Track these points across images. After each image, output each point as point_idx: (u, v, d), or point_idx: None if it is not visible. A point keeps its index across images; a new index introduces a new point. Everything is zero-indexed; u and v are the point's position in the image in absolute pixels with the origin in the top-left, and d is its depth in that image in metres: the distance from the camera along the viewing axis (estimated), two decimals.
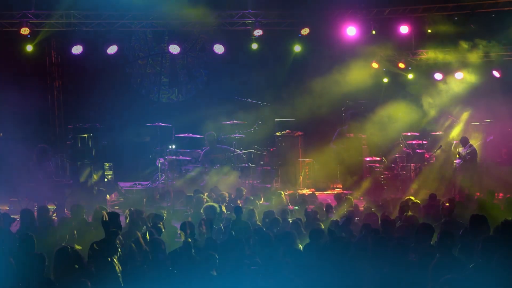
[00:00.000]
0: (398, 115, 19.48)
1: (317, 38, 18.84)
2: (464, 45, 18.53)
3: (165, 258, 8.00)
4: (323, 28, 18.60)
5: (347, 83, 19.06)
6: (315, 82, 19.36)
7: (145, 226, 9.75)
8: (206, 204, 11.51)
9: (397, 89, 20.44)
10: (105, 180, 17.10)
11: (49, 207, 12.49)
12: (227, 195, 14.33)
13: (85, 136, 16.63)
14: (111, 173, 17.68)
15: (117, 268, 7.56)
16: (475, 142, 18.02)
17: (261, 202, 13.86)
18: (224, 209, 12.44)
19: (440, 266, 7.07)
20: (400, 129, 19.09)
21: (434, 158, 18.47)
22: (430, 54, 19.95)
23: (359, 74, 19.30)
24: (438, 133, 19.52)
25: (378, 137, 18.78)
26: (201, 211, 11.41)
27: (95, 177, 16.33)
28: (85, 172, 16.35)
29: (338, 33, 18.57)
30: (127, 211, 10.82)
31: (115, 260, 7.60)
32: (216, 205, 11.43)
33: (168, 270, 7.81)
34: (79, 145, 16.54)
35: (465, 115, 19.68)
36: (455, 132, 19.50)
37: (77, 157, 16.48)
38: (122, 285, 7.43)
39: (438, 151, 18.47)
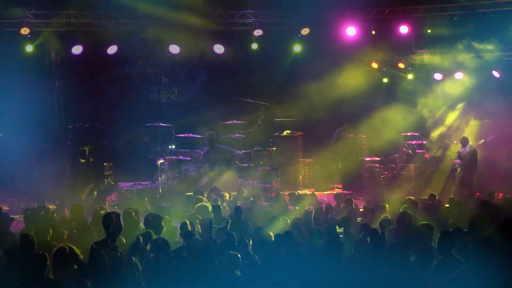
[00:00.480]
0: (397, 116, 19.49)
1: (317, 38, 18.84)
2: (463, 45, 18.53)
3: (167, 258, 7.99)
4: (323, 28, 18.60)
5: (347, 83, 19.06)
6: (315, 82, 19.36)
7: (144, 226, 9.74)
8: (198, 204, 11.50)
9: (396, 89, 20.45)
10: (105, 179, 17.08)
11: (49, 207, 12.48)
12: (227, 195, 14.34)
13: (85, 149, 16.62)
14: (111, 173, 17.66)
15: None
16: (475, 142, 18.03)
17: (261, 202, 13.86)
18: (227, 208, 12.47)
19: (440, 266, 7.07)
20: (400, 129, 19.09)
21: (433, 158, 18.48)
22: (430, 54, 19.96)
23: (359, 74, 19.30)
24: (436, 133, 19.55)
25: (378, 137, 18.79)
26: (193, 211, 11.42)
27: (95, 194, 16.26)
28: (86, 189, 16.30)
29: (338, 33, 18.58)
30: (125, 211, 10.81)
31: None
32: (208, 204, 11.41)
33: (172, 269, 7.81)
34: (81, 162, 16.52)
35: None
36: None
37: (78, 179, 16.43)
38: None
39: (438, 152, 18.48)
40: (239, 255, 7.88)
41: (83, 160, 16.52)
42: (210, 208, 11.33)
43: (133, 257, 7.53)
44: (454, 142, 18.60)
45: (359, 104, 20.09)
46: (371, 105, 20.18)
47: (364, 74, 19.55)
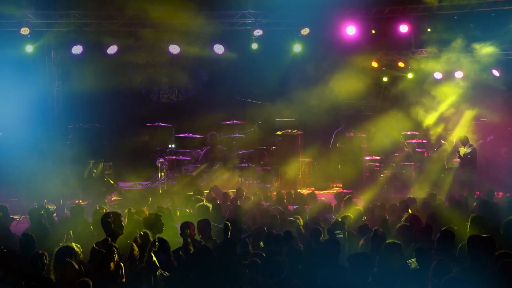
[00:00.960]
0: (397, 115, 19.50)
1: (317, 38, 18.85)
2: (463, 44, 18.52)
3: (167, 258, 7.99)
4: (323, 28, 18.60)
5: (347, 83, 19.05)
6: (315, 81, 19.37)
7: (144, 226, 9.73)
8: (200, 203, 11.50)
9: (396, 88, 20.47)
10: (105, 179, 17.09)
11: (49, 207, 12.50)
12: (229, 194, 14.33)
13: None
14: (111, 173, 17.67)
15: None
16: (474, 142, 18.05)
17: (261, 202, 13.86)
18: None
19: (440, 266, 7.06)
20: (400, 128, 19.10)
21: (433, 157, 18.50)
22: (429, 53, 19.96)
23: (359, 73, 19.30)
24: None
25: (378, 137, 18.80)
26: (192, 211, 11.41)
27: (95, 171, 16.28)
28: (85, 170, 16.35)
29: (338, 32, 18.59)
30: (126, 210, 10.83)
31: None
32: (209, 204, 11.42)
33: (172, 269, 7.81)
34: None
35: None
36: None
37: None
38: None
39: (438, 150, 18.51)
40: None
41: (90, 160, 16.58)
42: (211, 208, 11.31)
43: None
44: (454, 141, 18.60)
45: (359, 103, 20.09)
46: (371, 104, 20.17)
47: (364, 73, 19.54)
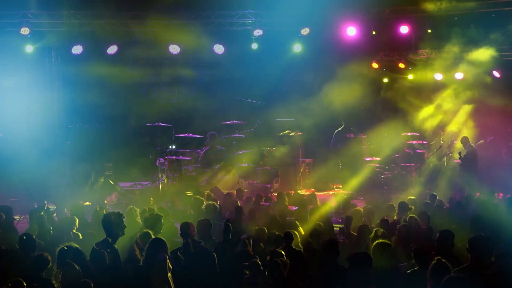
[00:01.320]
0: (397, 116, 19.51)
1: (317, 38, 18.84)
2: (463, 45, 18.53)
3: (165, 258, 7.98)
4: (323, 28, 18.60)
5: (347, 83, 19.05)
6: (315, 81, 19.35)
7: (144, 226, 9.73)
8: (207, 202, 11.48)
9: (397, 89, 20.47)
10: (104, 179, 17.09)
11: (49, 207, 12.48)
12: (233, 194, 14.32)
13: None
14: (111, 173, 17.67)
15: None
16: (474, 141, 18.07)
17: (261, 202, 13.84)
18: None
19: (439, 266, 7.06)
20: (400, 129, 19.10)
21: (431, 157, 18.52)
22: (430, 54, 19.97)
23: (359, 74, 19.30)
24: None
25: (378, 137, 18.81)
26: (202, 208, 11.40)
27: (101, 180, 16.30)
28: (86, 184, 16.37)
29: (338, 33, 18.59)
30: (127, 210, 10.82)
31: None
32: (216, 203, 11.41)
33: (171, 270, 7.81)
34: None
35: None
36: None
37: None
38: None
39: (437, 152, 18.51)
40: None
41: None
42: (218, 208, 11.31)
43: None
44: (454, 141, 18.59)
45: (359, 104, 20.10)
46: (371, 105, 20.17)
47: (364, 74, 19.55)
